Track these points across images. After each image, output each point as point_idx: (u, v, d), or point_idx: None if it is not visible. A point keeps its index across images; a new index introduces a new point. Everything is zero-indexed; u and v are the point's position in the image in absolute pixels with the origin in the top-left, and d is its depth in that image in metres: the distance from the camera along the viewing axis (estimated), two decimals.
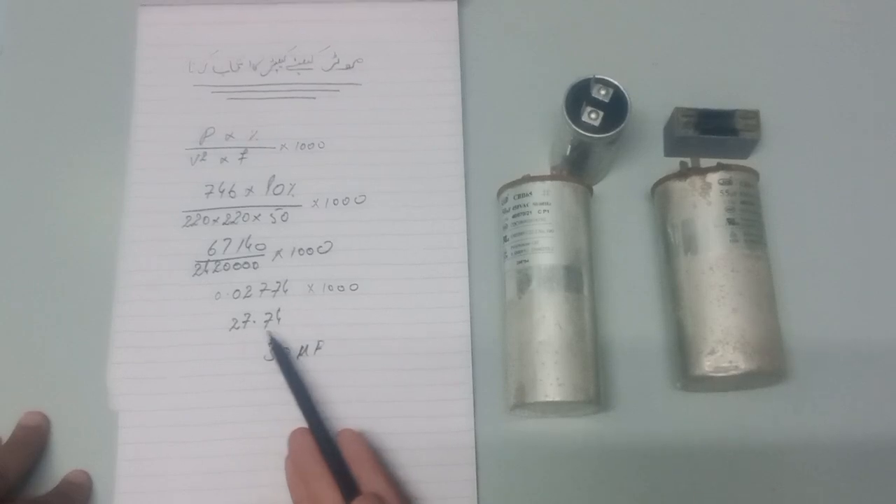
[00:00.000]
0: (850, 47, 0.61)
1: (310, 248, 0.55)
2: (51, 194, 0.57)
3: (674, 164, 0.55)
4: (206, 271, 0.55)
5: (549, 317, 0.50)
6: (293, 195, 0.56)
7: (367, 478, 0.47)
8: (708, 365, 0.49)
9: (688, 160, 0.54)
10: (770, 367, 0.49)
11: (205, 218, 0.56)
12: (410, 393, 0.52)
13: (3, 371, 0.53)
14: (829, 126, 0.59)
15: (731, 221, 0.51)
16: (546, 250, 0.51)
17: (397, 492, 0.47)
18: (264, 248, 0.55)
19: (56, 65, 0.59)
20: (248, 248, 0.55)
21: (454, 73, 0.59)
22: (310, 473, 0.48)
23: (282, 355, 0.52)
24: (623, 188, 0.57)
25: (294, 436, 0.50)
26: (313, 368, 0.53)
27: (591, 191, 0.54)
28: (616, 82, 0.51)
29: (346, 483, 0.47)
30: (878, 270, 0.56)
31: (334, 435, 0.50)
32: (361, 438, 0.50)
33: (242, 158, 0.57)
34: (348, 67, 0.59)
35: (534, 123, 0.58)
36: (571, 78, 0.51)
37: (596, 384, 0.50)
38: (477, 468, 0.51)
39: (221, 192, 0.56)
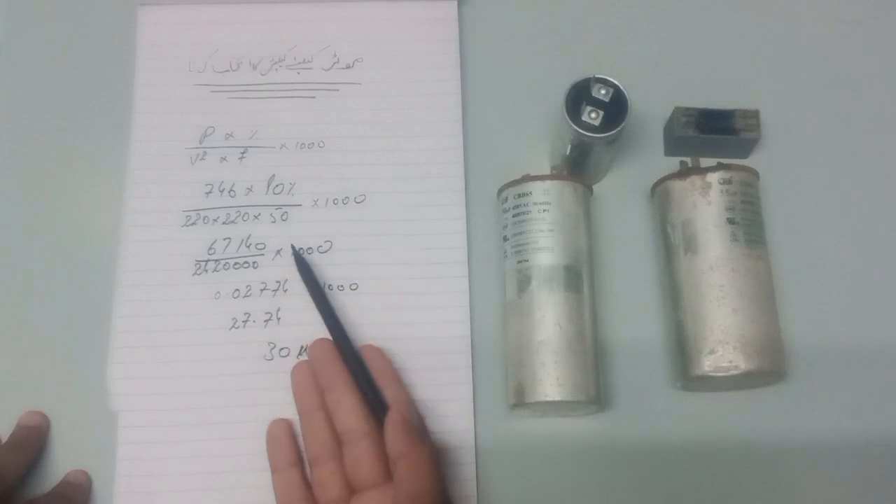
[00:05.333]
0: (850, 47, 0.61)
1: (309, 248, 0.55)
2: (51, 194, 0.57)
3: (674, 163, 0.55)
4: (206, 271, 0.55)
5: (548, 316, 0.50)
6: (293, 195, 0.56)
7: (392, 391, 0.48)
8: (708, 365, 0.49)
9: (688, 160, 0.54)
10: (770, 366, 0.49)
11: (205, 217, 0.56)
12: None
13: (3, 371, 0.53)
14: (829, 126, 0.59)
15: (731, 221, 0.51)
16: (546, 250, 0.51)
17: (419, 407, 0.48)
18: (264, 248, 0.55)
19: (56, 64, 0.59)
20: (248, 247, 0.55)
21: (454, 73, 0.59)
22: (332, 382, 0.48)
23: (305, 268, 0.52)
24: (623, 188, 0.57)
25: (316, 344, 0.50)
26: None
27: (591, 190, 0.54)
28: (616, 82, 0.51)
29: (373, 395, 0.47)
30: (878, 270, 0.56)
31: (358, 349, 0.51)
32: (384, 354, 0.50)
33: (242, 158, 0.57)
34: (348, 67, 0.59)
35: (534, 123, 0.58)
36: (571, 78, 0.51)
37: (596, 384, 0.50)
38: (477, 468, 0.51)
39: (221, 191, 0.56)
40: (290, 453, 0.49)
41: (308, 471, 0.49)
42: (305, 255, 0.54)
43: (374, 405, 0.47)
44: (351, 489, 0.46)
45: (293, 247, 0.54)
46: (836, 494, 0.52)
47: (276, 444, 0.50)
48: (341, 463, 0.47)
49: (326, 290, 0.53)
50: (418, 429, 0.45)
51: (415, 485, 0.43)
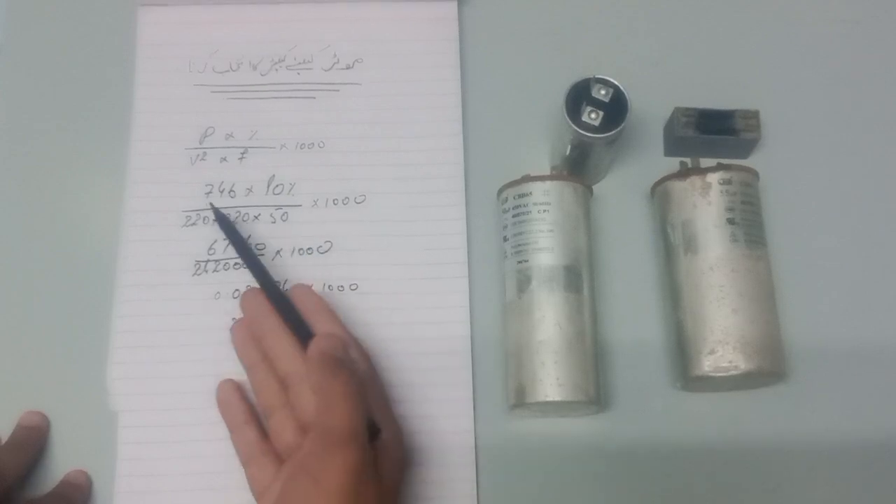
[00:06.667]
0: (850, 47, 0.61)
1: (310, 248, 0.55)
2: (51, 194, 0.57)
3: (674, 164, 0.55)
4: (206, 271, 0.55)
5: (548, 317, 0.50)
6: (293, 195, 0.56)
7: (322, 326, 0.48)
8: (708, 365, 0.49)
9: (688, 160, 0.54)
10: (770, 367, 0.49)
11: (205, 218, 0.56)
12: (410, 393, 0.52)
13: (3, 371, 0.53)
14: (829, 126, 0.59)
15: (731, 221, 0.51)
16: (546, 250, 0.51)
17: (354, 338, 0.49)
18: (264, 248, 0.55)
19: (56, 64, 0.59)
20: None
21: (454, 73, 0.59)
22: (264, 330, 0.49)
23: (224, 222, 0.53)
24: (623, 188, 0.57)
25: (246, 296, 0.51)
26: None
27: (591, 191, 0.54)
28: (616, 82, 0.51)
29: (303, 334, 0.47)
30: (878, 270, 0.56)
31: (286, 291, 0.51)
32: (313, 291, 0.51)
33: (242, 158, 0.57)
34: (348, 67, 0.59)
35: (534, 123, 0.58)
36: (571, 78, 0.51)
37: (596, 384, 0.50)
38: (477, 468, 0.51)
39: (221, 191, 0.56)
40: (242, 411, 0.49)
41: (264, 421, 0.49)
42: (222, 211, 0.54)
43: (307, 344, 0.47)
44: (304, 430, 0.46)
45: (212, 204, 0.55)
46: (836, 494, 0.52)
47: (227, 405, 0.50)
48: (291, 407, 0.47)
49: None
50: (341, 359, 0.45)
51: (325, 419, 0.42)
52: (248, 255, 0.52)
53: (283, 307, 0.49)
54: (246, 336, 0.50)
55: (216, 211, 0.54)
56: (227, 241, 0.55)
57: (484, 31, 0.61)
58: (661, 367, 0.53)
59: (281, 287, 0.51)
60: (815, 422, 0.53)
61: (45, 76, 0.59)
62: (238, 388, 0.51)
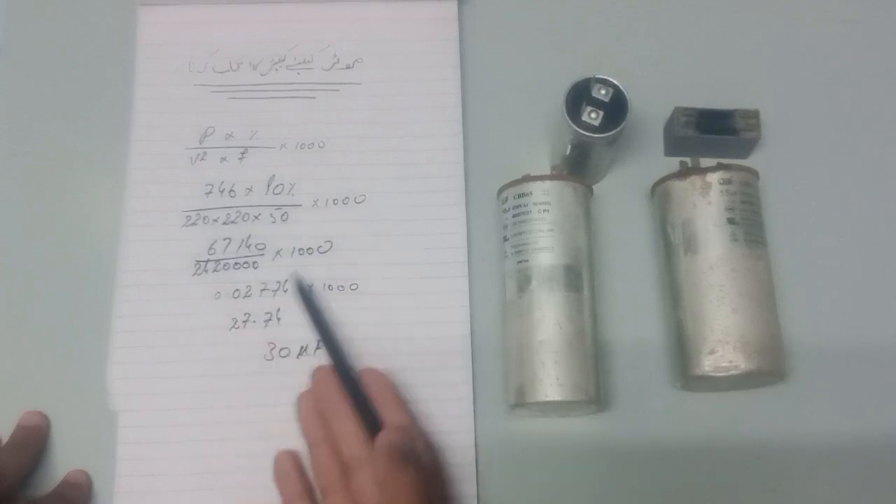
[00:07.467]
0: (850, 47, 0.61)
1: (310, 248, 0.55)
2: (51, 194, 0.57)
3: (674, 163, 0.55)
4: (206, 271, 0.55)
5: (548, 316, 0.50)
6: (293, 195, 0.56)
7: (390, 415, 0.48)
8: (708, 365, 0.49)
9: (688, 160, 0.54)
10: (770, 366, 0.49)
11: (205, 217, 0.56)
12: (410, 393, 0.52)
13: (3, 371, 0.53)
14: (829, 126, 0.59)
15: (731, 221, 0.51)
16: (546, 250, 0.51)
17: (421, 430, 0.48)
18: (264, 248, 0.55)
19: (56, 64, 0.59)
20: (248, 247, 0.55)
21: (454, 73, 0.59)
22: (333, 412, 0.48)
23: (305, 293, 0.52)
24: (623, 188, 0.57)
25: (317, 373, 0.51)
26: (314, 368, 0.53)
27: (591, 190, 0.54)
28: (616, 82, 0.51)
29: (371, 420, 0.47)
30: (878, 270, 0.56)
31: (357, 373, 0.50)
32: (385, 377, 0.50)
33: (242, 158, 0.57)
34: (348, 67, 0.59)
35: (534, 123, 0.58)
36: (571, 78, 0.51)
37: (596, 384, 0.50)
38: (477, 468, 0.51)
39: (221, 191, 0.56)
40: (298, 485, 0.49)
41: (319, 498, 0.49)
42: (304, 281, 0.53)
43: (374, 431, 0.47)
44: None
45: (296, 277, 0.53)
46: (836, 494, 0.52)
47: (284, 477, 0.50)
48: (350, 491, 0.46)
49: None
50: (408, 453, 0.45)
51: None
52: (326, 331, 0.51)
53: (353, 392, 0.49)
54: (312, 411, 0.50)
55: (299, 283, 0.53)
56: (227, 241, 0.55)
57: (484, 31, 0.61)
58: (661, 367, 0.53)
59: (352, 366, 0.50)
60: (815, 422, 0.53)
61: (45, 76, 0.59)
62: (296, 460, 0.50)
